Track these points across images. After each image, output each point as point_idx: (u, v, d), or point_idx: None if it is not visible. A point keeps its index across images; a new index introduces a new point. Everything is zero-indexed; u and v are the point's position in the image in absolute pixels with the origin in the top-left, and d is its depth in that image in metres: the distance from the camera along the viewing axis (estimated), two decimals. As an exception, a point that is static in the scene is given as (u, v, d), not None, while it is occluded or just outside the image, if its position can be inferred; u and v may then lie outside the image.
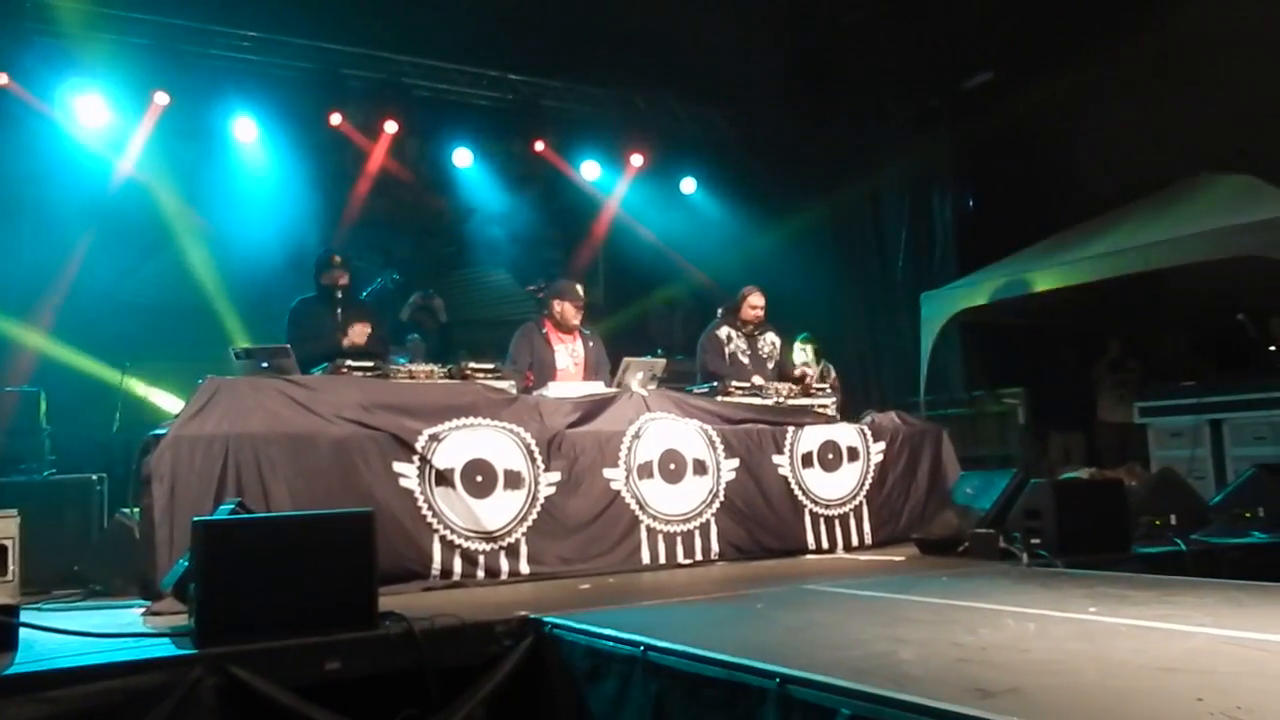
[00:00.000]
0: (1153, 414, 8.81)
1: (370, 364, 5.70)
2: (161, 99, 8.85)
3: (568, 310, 6.68)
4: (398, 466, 5.05)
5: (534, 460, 5.41)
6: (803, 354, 7.68)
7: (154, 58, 8.80)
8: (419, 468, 5.09)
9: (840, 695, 2.62)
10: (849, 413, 7.12)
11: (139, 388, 8.24)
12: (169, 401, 8.11)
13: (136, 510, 5.06)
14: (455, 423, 5.28)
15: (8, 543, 3.56)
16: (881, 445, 6.62)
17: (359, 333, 6.16)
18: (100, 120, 8.67)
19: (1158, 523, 5.77)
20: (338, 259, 6.59)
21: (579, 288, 6.85)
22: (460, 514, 5.11)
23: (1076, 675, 2.81)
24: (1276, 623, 3.32)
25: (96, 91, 8.60)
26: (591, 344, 6.85)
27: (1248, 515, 6.02)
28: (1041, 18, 9.30)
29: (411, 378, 5.68)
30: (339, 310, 6.40)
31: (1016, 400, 9.66)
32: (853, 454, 6.50)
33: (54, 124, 8.53)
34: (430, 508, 5.05)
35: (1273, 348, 9.17)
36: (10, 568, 3.53)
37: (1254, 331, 9.00)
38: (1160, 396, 8.87)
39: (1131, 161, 9.60)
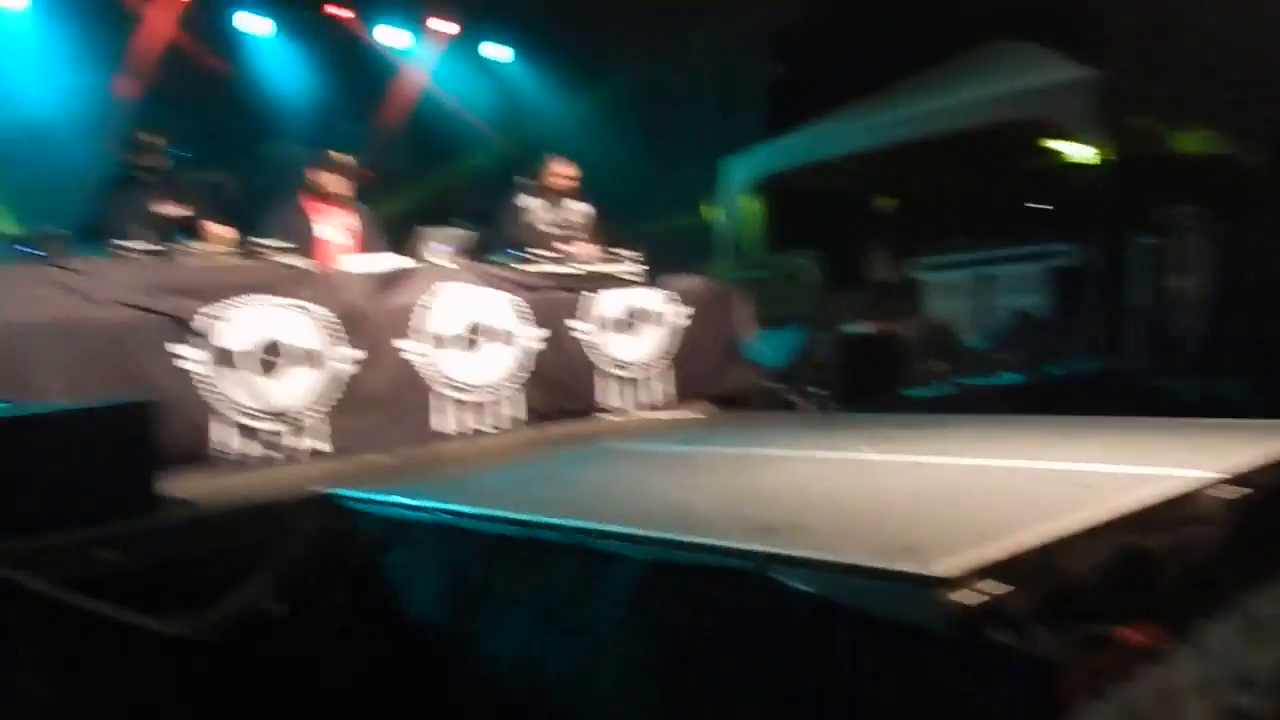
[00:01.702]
0: (928, 269, 9.37)
1: (151, 246, 5.34)
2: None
3: (325, 179, 6.38)
4: (182, 349, 4.79)
5: (330, 336, 5.26)
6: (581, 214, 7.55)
7: None
8: (205, 349, 4.85)
9: (636, 542, 2.75)
10: (649, 277, 7.21)
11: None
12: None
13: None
14: (244, 300, 5.03)
15: None
16: (682, 308, 6.75)
17: (221, 231, 5.71)
18: None
19: (929, 369, 6.19)
20: (151, 140, 5.97)
21: (336, 155, 6.54)
22: (252, 394, 4.92)
23: (851, 506, 3.05)
24: (1022, 451, 3.67)
25: None
26: (365, 218, 6.61)
27: (1005, 358, 6.57)
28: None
29: (198, 257, 5.36)
30: (151, 191, 5.88)
31: (809, 261, 10.03)
32: (653, 317, 6.62)
33: None
34: (219, 389, 4.84)
35: (1036, 205, 9.87)
36: None
37: (1021, 190, 9.63)
38: (937, 253, 9.43)
39: (929, 27, 9.90)
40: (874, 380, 5.57)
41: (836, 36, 10.35)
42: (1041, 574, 2.32)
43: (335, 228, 6.38)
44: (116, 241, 5.27)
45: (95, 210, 5.90)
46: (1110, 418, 4.27)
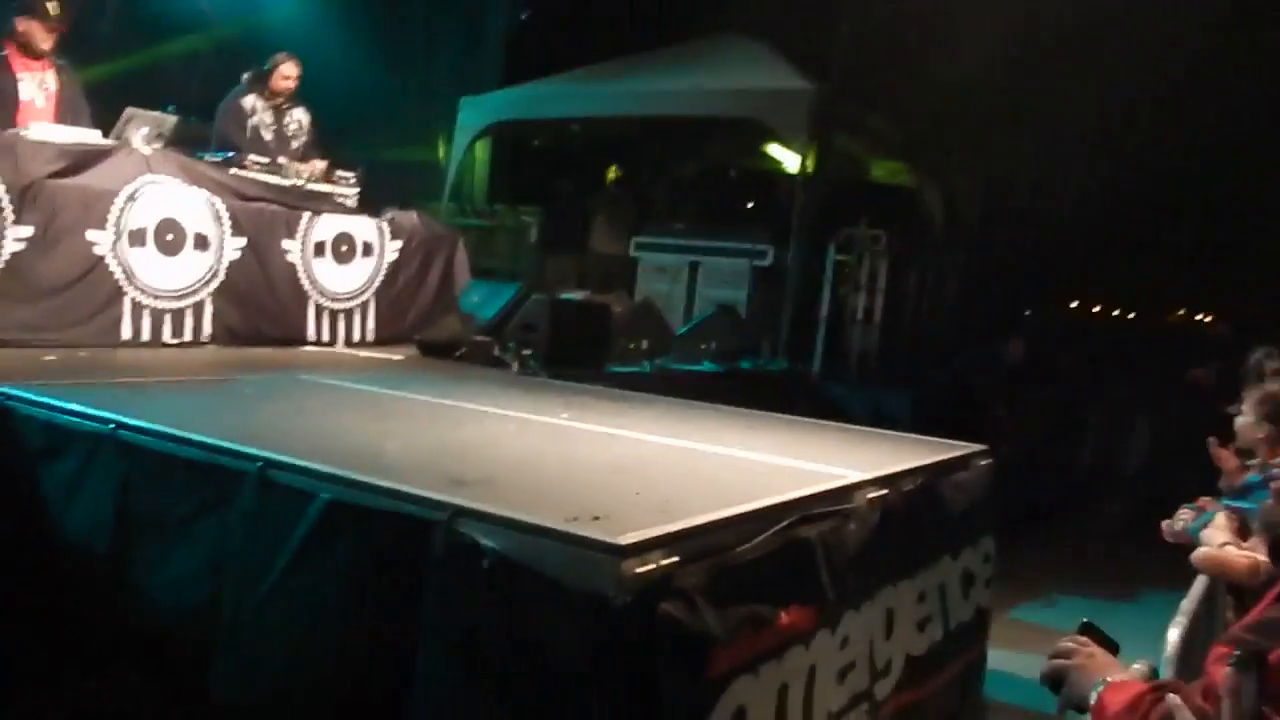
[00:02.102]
0: (645, 249, 9.73)
1: None
2: None
3: (36, 31, 5.62)
4: None
5: (1, 210, 4.68)
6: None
7: None
8: None
9: (320, 480, 2.69)
10: (367, 206, 6.97)
11: None
12: None
13: None
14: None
15: None
16: (398, 244, 6.60)
17: None
18: None
19: (632, 346, 6.46)
20: None
21: (52, 6, 5.81)
22: (-107, 261, 4.33)
23: (543, 470, 3.14)
24: (709, 436, 3.93)
25: None
26: (66, 78, 5.92)
27: (703, 347, 6.98)
28: None
29: None
30: None
31: (532, 219, 10.11)
32: (367, 249, 6.43)
33: None
34: None
35: (750, 205, 10.51)
36: None
37: (739, 188, 10.21)
38: (653, 234, 9.80)
39: (673, 5, 10.18)
40: (580, 349, 5.73)
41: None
42: (712, 552, 2.51)
43: (33, 86, 5.65)
44: None
45: None
46: (787, 416, 4.66)
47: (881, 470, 3.35)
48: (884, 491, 3.19)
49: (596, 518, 2.51)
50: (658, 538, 2.42)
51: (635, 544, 2.35)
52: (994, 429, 5.97)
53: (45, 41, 5.63)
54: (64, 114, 5.71)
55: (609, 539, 2.34)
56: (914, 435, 4.34)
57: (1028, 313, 12.06)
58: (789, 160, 9.97)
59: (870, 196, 11.08)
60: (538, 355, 5.55)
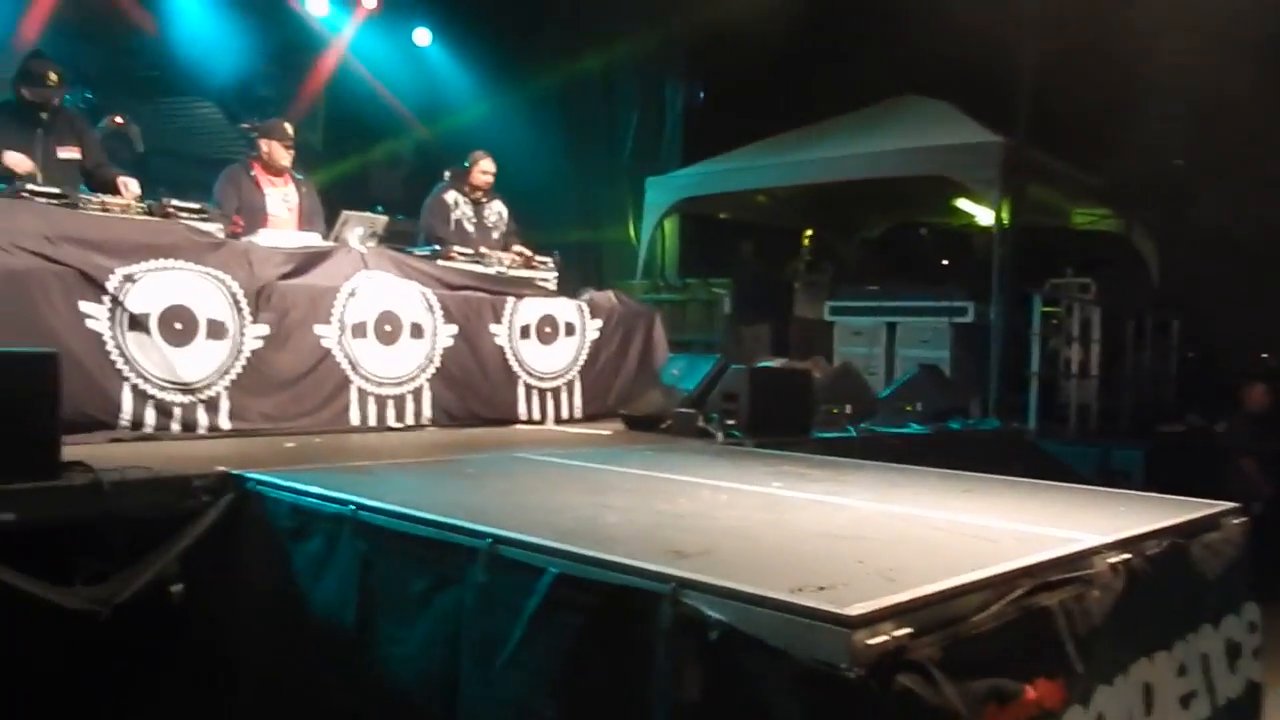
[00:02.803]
0: (840, 313, 9.63)
1: (56, 190, 5.12)
2: None
3: (276, 150, 6.29)
4: (85, 306, 4.61)
5: (240, 310, 5.12)
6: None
7: None
8: (110, 309, 4.67)
9: (549, 555, 2.75)
10: (566, 288, 7.24)
11: None
12: None
13: None
14: (154, 264, 4.87)
15: None
16: (598, 323, 6.80)
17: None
18: None
19: (835, 411, 6.35)
20: (53, 75, 5.56)
21: (289, 126, 6.44)
22: (155, 362, 4.77)
23: (761, 540, 3.10)
24: (925, 501, 3.79)
25: None
26: (305, 190, 6.52)
27: (908, 409, 6.80)
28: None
29: (105, 210, 5.17)
30: (40, 129, 5.60)
31: (724, 290, 10.21)
32: (570, 329, 6.65)
33: None
34: (121, 354, 4.67)
35: (945, 262, 10.25)
36: None
37: (931, 246, 10.00)
38: (847, 297, 9.69)
39: (850, 74, 10.19)
40: (782, 417, 5.68)
41: (757, 66, 10.55)
42: (946, 623, 2.40)
43: (278, 200, 6.25)
44: (29, 185, 5.04)
45: None
46: (1006, 477, 4.46)
47: (1121, 533, 3.14)
48: (1127, 555, 2.98)
49: (821, 588, 2.45)
50: (888, 608, 2.33)
51: (865, 615, 2.26)
52: (1241, 484, 5.51)
53: (284, 158, 6.25)
54: (305, 222, 6.28)
55: (837, 609, 2.27)
56: (1150, 494, 4.05)
57: (1264, 355, 11.17)
58: (981, 214, 9.72)
59: (1073, 245, 10.63)
60: (741, 424, 5.54)
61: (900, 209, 11.15)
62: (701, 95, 11.82)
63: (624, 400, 6.60)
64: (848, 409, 6.39)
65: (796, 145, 10.02)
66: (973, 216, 10.25)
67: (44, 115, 5.64)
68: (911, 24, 9.13)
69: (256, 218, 6.11)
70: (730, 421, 5.61)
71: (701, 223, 11.22)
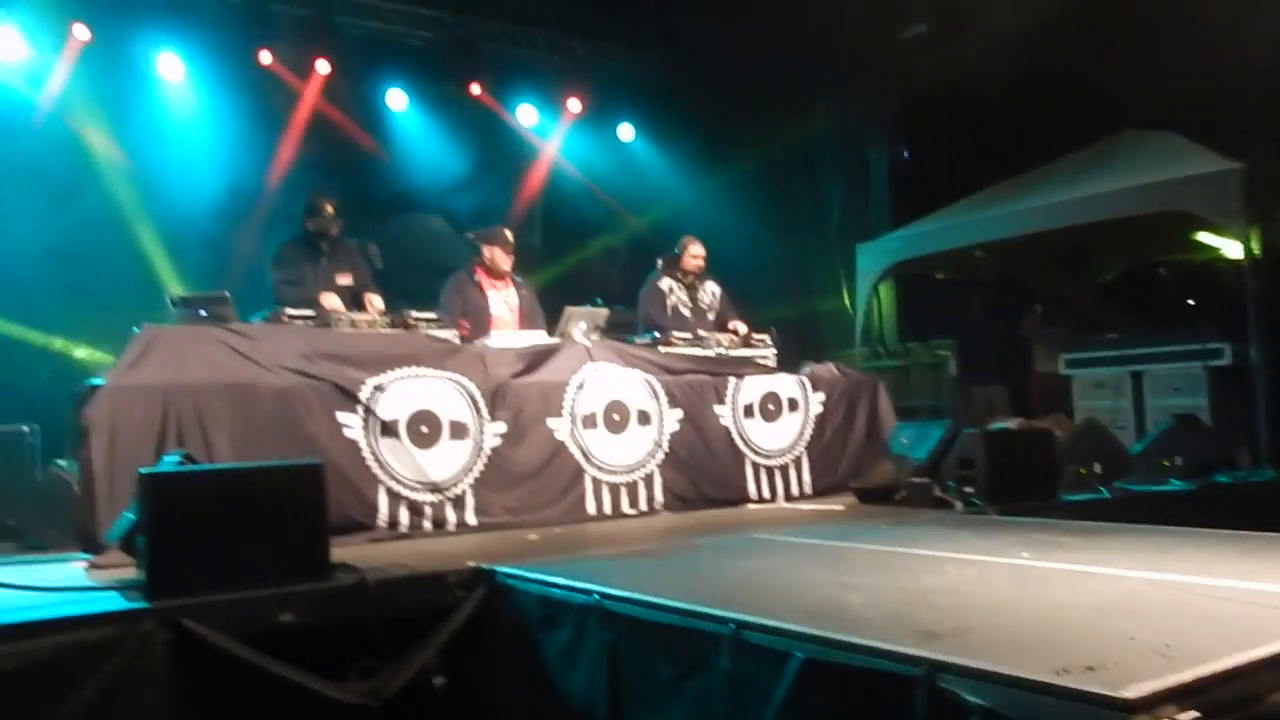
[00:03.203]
0: (1078, 365, 9.10)
1: (310, 312, 5.62)
2: (81, 33, 8.50)
3: (498, 256, 6.66)
4: (342, 417, 5.01)
5: (479, 410, 5.41)
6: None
7: (70, -12, 8.44)
8: (363, 418, 5.06)
9: (794, 639, 2.71)
10: (786, 364, 7.23)
11: (66, 339, 8.02)
12: (100, 352, 7.91)
13: (74, 462, 4.95)
14: (399, 372, 5.25)
15: (-56, 496, 3.48)
16: (821, 396, 6.74)
17: (330, 300, 5.95)
18: (16, 55, 8.30)
19: (1083, 471, 5.99)
20: (330, 208, 6.23)
21: (508, 233, 6.81)
22: (406, 465, 5.10)
23: (1017, 616, 2.93)
24: (1197, 566, 3.49)
25: (11, 24, 8.23)
26: (524, 291, 6.85)
27: (1166, 464, 6.30)
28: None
29: (354, 326, 5.62)
30: (324, 258, 6.21)
31: (948, 352, 9.88)
32: (793, 405, 6.62)
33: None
34: (376, 458, 5.03)
35: (1190, 302, 9.53)
36: (-52, 521, 3.46)
37: (1173, 286, 9.32)
38: (1085, 348, 9.16)
39: (1063, 116, 9.79)
40: (1025, 481, 5.40)
41: (962, 119, 10.28)
42: (1238, 705, 2.19)
43: (500, 302, 6.63)
44: (288, 309, 5.56)
45: (264, 272, 6.24)
46: (1288, 534, 4.05)
47: None
48: None
49: (1090, 668, 2.29)
50: (1169, 689, 2.15)
51: (1144, 698, 2.09)
52: None
53: (505, 263, 6.63)
54: (526, 321, 6.61)
55: (1112, 692, 2.11)
56: None
57: None
58: (1227, 246, 9.02)
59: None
60: (981, 492, 5.30)
61: (1134, 250, 10.48)
62: (905, 155, 11.65)
63: (854, 473, 6.48)
64: (1097, 468, 6.00)
65: (1013, 195, 9.67)
66: (1217, 250, 9.51)
67: (324, 245, 6.23)
68: (1125, 58, 8.71)
69: (482, 320, 6.46)
70: (969, 489, 5.38)
71: (918, 284, 10.95)
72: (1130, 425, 8.36)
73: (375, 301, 6.11)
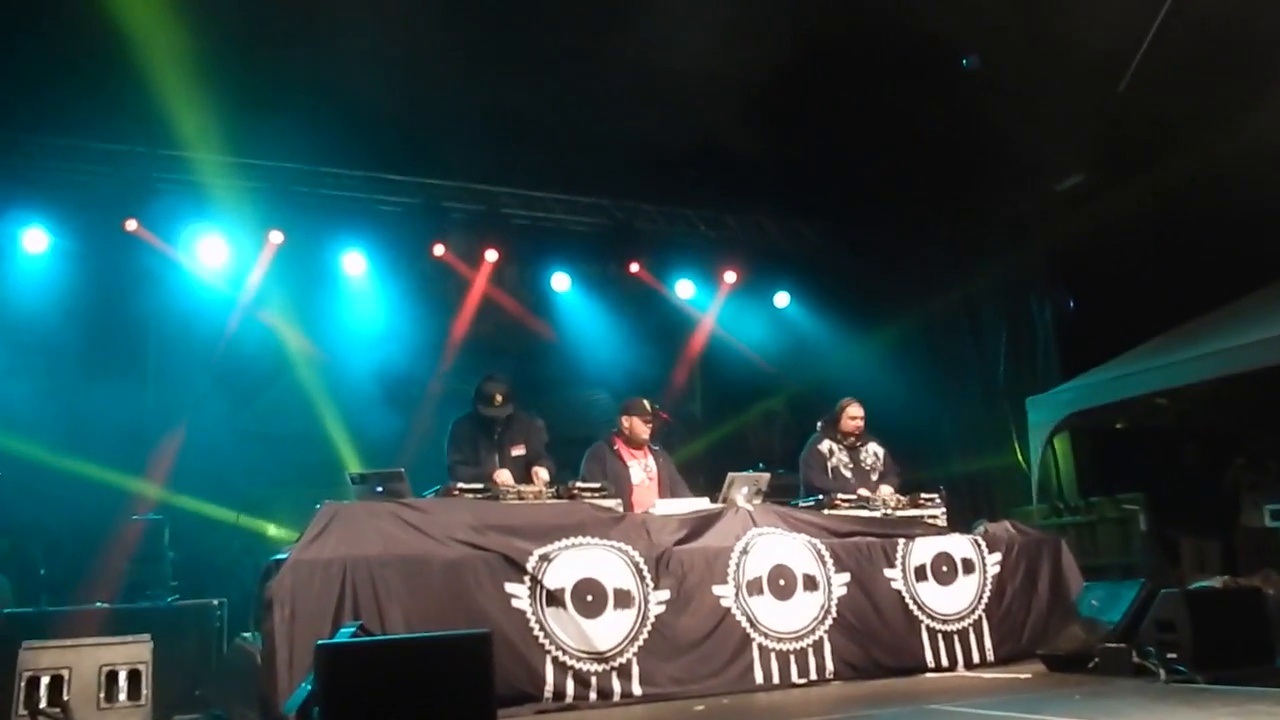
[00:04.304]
0: (1281, 517, 8.37)
1: (479, 486, 5.79)
2: (276, 237, 9.36)
3: (636, 425, 6.74)
4: (509, 587, 5.08)
5: (643, 578, 5.38)
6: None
7: (269, 199, 9.34)
8: (530, 588, 5.11)
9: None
10: (957, 523, 6.92)
11: (252, 516, 8.51)
12: (286, 529, 8.36)
13: (257, 634, 5.16)
14: (565, 542, 5.31)
15: (141, 667, 3.68)
16: (997, 556, 6.41)
17: (502, 475, 6.11)
18: (220, 259, 9.19)
19: (1305, 635, 5.42)
20: (499, 397, 6.42)
21: (647, 403, 6.89)
22: (572, 634, 5.09)
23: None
24: None
25: (216, 233, 9.14)
26: (662, 459, 6.89)
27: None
28: (1131, 119, 9.25)
29: (520, 498, 5.75)
30: (496, 434, 6.46)
31: (1136, 506, 9.27)
32: (968, 566, 6.31)
33: (177, 265, 9.07)
34: (542, 628, 5.05)
35: None
36: (144, 692, 3.64)
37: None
38: (1288, 498, 8.44)
39: (1236, 253, 9.37)
40: (1236, 645, 4.91)
41: (1128, 265, 9.94)
42: None
43: (640, 469, 6.68)
44: (459, 484, 5.75)
45: (437, 448, 6.48)
46: None
47: None
48: None
49: None
50: None
51: None
52: None
53: (644, 432, 6.72)
54: (665, 490, 6.62)
55: None
56: None
57: None
58: None
59: None
60: (1186, 658, 4.86)
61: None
62: (1072, 305, 11.31)
63: (1040, 638, 6.06)
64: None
65: (1197, 338, 9.20)
66: None
67: (497, 425, 6.46)
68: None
69: (622, 488, 6.47)
70: (1171, 655, 4.94)
71: (1096, 437, 10.42)
72: (1355, 583, 7.55)
73: (541, 474, 6.25)
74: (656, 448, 6.95)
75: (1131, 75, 9.00)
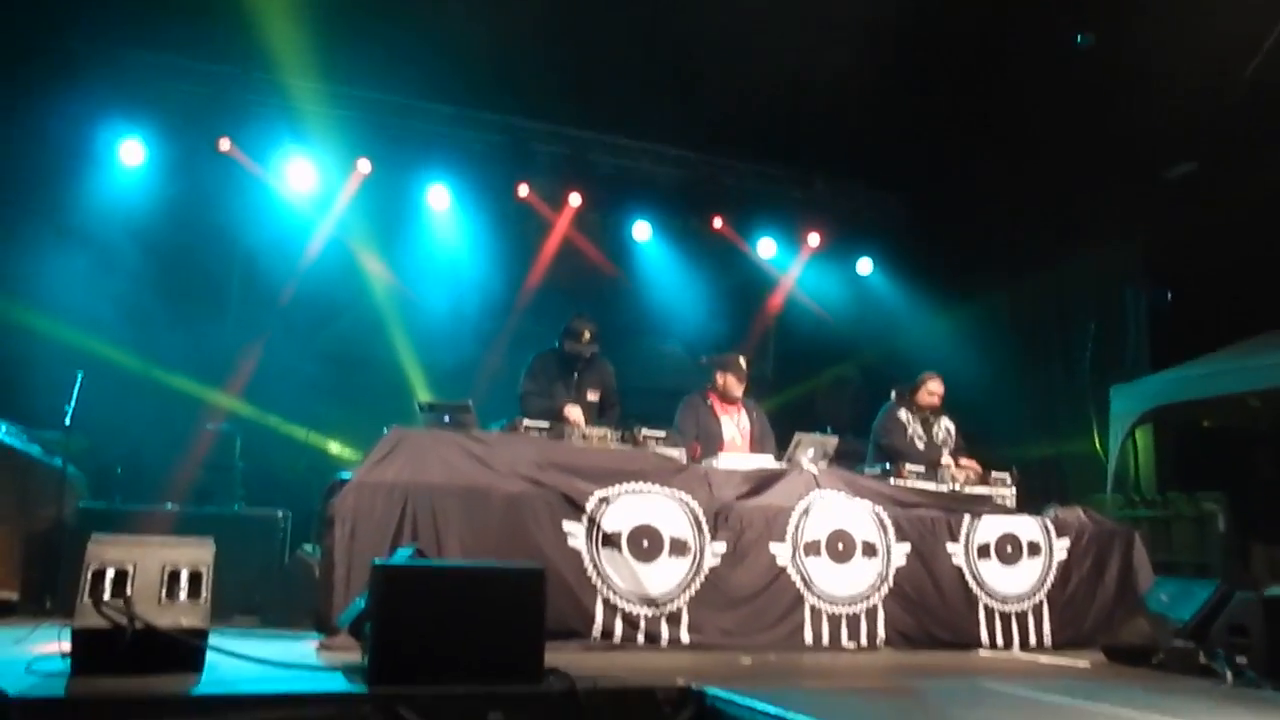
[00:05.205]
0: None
1: (545, 423, 5.80)
2: (364, 166, 9.42)
3: (730, 382, 6.67)
4: (567, 525, 5.09)
5: (700, 529, 5.35)
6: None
7: (359, 128, 9.39)
8: (587, 528, 5.11)
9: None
10: (1027, 506, 6.75)
11: (322, 435, 8.67)
12: (349, 448, 8.52)
13: (317, 548, 5.26)
14: (625, 487, 5.29)
15: (203, 569, 3.75)
16: (1066, 541, 6.24)
17: (573, 411, 6.10)
18: (308, 184, 9.29)
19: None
20: (587, 334, 6.42)
21: (742, 360, 6.83)
22: (625, 577, 5.09)
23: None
24: None
25: (306, 157, 9.24)
26: (755, 415, 6.82)
27: None
28: (1252, 108, 8.81)
29: (585, 440, 5.74)
30: (575, 373, 6.46)
31: (1216, 505, 8.96)
32: (1034, 548, 6.15)
33: (267, 186, 9.20)
34: (596, 569, 5.05)
35: None
36: (203, 593, 3.71)
37: None
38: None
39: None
40: (1312, 655, 4.72)
41: (1233, 260, 9.51)
42: None
43: (732, 426, 6.64)
44: (525, 419, 5.77)
45: (506, 385, 6.51)
46: None
47: None
48: None
49: None
50: None
51: None
52: None
53: (738, 389, 6.67)
54: (757, 445, 6.57)
55: None
56: None
57: None
58: None
59: None
60: (1257, 665, 4.67)
61: None
62: (1169, 297, 10.90)
63: (1103, 628, 5.91)
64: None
65: (1286, 341, 8.82)
66: None
67: (578, 364, 6.46)
68: None
69: (713, 443, 6.46)
70: (1241, 659, 4.75)
71: (1180, 432, 10.08)
72: None
73: (571, 412, 6.12)
74: (751, 403, 6.90)
75: (1259, 62, 8.57)
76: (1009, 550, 6.08)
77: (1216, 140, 9.35)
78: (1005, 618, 5.95)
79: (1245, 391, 9.12)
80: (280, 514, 6.21)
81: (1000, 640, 5.90)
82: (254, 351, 8.61)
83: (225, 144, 8.97)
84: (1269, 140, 8.96)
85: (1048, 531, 6.24)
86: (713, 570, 5.31)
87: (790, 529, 5.59)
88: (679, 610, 5.15)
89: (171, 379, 8.16)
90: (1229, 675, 4.73)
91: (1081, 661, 5.49)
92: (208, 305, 8.73)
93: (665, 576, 5.18)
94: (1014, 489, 6.72)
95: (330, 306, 9.33)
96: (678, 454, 5.88)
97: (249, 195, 9.12)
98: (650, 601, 5.10)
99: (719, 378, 6.72)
